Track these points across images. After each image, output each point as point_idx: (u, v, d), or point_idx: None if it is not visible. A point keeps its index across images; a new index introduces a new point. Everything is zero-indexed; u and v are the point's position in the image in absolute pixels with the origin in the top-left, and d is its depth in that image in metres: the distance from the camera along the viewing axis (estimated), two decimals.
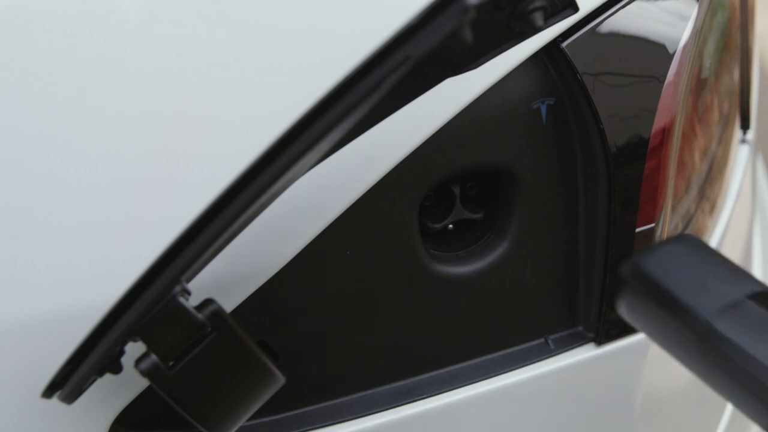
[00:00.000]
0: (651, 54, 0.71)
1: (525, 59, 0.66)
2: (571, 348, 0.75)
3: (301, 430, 0.68)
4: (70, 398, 0.52)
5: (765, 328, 0.54)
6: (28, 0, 0.58)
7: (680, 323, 0.57)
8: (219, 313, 0.51)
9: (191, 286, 0.52)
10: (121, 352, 0.52)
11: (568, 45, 0.67)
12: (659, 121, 0.70)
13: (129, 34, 0.58)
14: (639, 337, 0.76)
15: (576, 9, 0.55)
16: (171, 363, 0.51)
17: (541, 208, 0.72)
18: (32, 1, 0.58)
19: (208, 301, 0.51)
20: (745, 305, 0.55)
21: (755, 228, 1.19)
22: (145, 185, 0.58)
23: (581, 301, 0.75)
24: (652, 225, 0.72)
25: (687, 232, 0.83)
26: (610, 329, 0.75)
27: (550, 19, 0.54)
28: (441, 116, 0.63)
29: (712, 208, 0.93)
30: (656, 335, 0.60)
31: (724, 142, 0.96)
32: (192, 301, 0.51)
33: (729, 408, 1.01)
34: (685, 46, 0.72)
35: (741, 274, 0.58)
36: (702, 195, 0.87)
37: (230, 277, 0.60)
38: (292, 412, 0.69)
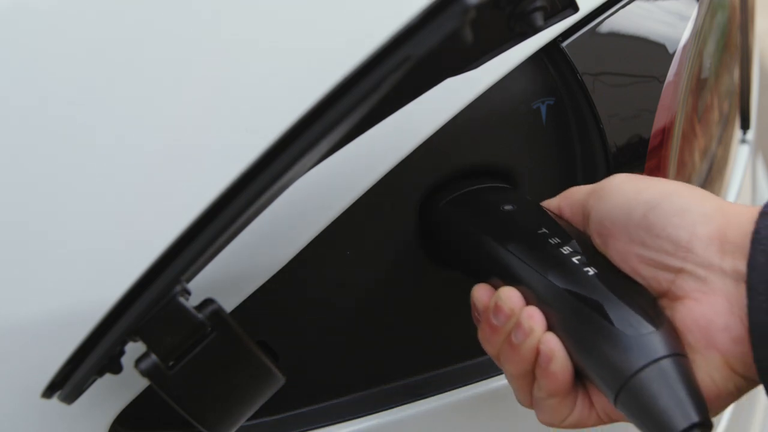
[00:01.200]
0: (651, 54, 0.71)
1: (525, 59, 0.66)
2: None
3: (301, 430, 0.68)
4: (70, 398, 0.52)
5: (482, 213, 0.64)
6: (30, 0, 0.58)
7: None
8: (219, 313, 0.51)
9: (191, 286, 0.52)
10: (121, 352, 0.52)
11: (568, 45, 0.67)
12: (659, 121, 0.70)
13: (129, 34, 0.58)
14: None
15: (576, 9, 0.55)
16: (171, 363, 0.50)
17: None
18: (34, 1, 0.58)
19: (208, 301, 0.51)
20: (474, 193, 0.67)
21: None
22: (145, 185, 0.58)
23: None
24: None
25: None
26: None
27: (550, 19, 0.54)
28: (441, 116, 0.63)
29: None
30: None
31: (724, 142, 0.96)
32: (192, 301, 0.51)
33: (730, 407, 1.00)
34: (685, 46, 0.72)
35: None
36: None
37: (230, 277, 0.60)
38: (292, 412, 0.69)
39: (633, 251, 0.54)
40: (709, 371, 0.51)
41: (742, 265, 0.51)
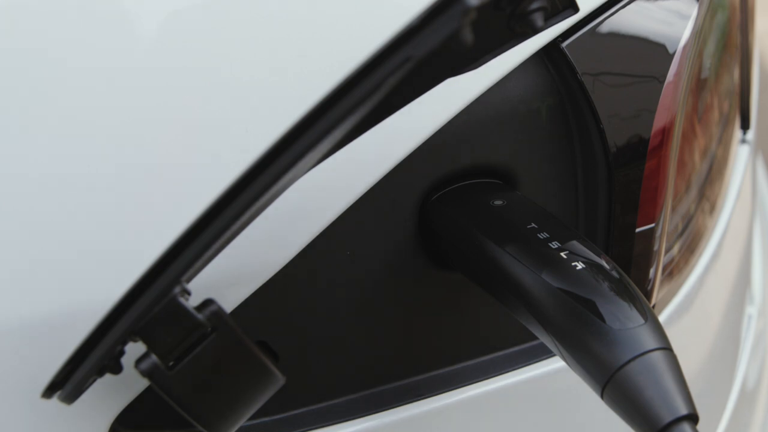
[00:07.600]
0: (651, 54, 0.71)
1: (525, 59, 0.66)
2: None
3: (301, 430, 0.68)
4: (70, 398, 0.52)
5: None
6: (28, 0, 0.58)
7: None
8: (219, 313, 0.51)
9: (191, 286, 0.52)
10: (121, 353, 0.52)
11: (568, 45, 0.67)
12: (659, 121, 0.70)
13: (128, 35, 0.58)
14: None
15: (576, 9, 0.55)
16: (171, 363, 0.51)
17: None
18: (32, 1, 0.58)
19: (208, 302, 0.51)
20: (463, 189, 0.67)
21: (755, 228, 1.19)
22: (145, 185, 0.58)
23: None
24: (652, 225, 0.72)
25: (686, 231, 0.83)
26: None
27: (550, 19, 0.54)
28: (441, 116, 0.63)
29: (712, 208, 0.93)
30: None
31: (724, 142, 0.96)
32: (192, 301, 0.51)
33: (730, 407, 1.01)
34: (685, 46, 0.72)
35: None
36: (702, 195, 0.87)
37: (230, 277, 0.60)
38: (292, 412, 0.69)
39: None
40: None
41: None
